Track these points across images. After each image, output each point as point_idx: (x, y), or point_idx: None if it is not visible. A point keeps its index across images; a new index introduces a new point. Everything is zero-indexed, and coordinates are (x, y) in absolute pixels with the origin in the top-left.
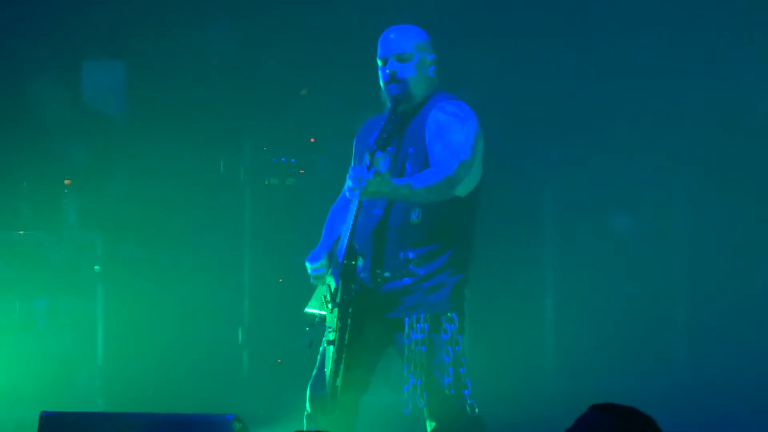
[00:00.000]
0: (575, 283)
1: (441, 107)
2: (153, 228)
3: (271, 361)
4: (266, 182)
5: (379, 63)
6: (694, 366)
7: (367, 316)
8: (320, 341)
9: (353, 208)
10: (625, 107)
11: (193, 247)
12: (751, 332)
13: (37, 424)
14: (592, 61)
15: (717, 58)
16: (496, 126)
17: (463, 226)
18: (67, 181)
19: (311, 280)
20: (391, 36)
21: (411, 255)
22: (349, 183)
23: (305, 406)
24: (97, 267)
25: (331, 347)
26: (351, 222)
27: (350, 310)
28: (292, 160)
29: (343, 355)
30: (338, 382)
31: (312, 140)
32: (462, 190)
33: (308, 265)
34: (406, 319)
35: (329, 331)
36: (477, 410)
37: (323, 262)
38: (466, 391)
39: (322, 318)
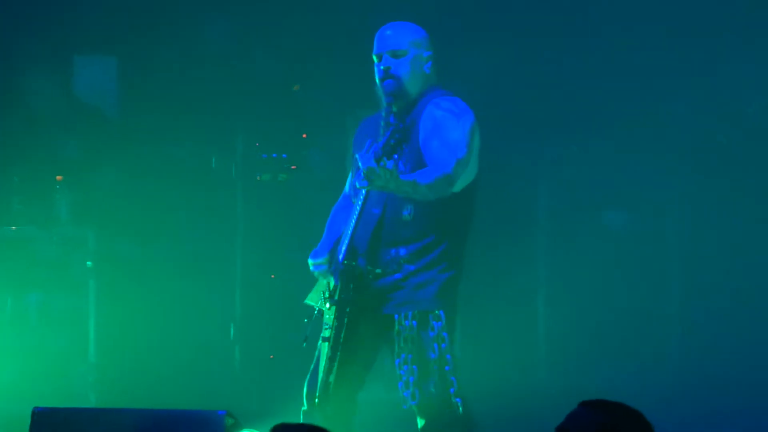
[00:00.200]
0: (568, 280)
1: (436, 103)
2: (145, 224)
3: (263, 356)
4: (258, 178)
5: (375, 59)
6: (686, 364)
7: (363, 313)
8: (316, 337)
9: (357, 204)
10: (620, 106)
11: (185, 243)
12: (744, 330)
13: (29, 420)
14: (589, 60)
15: (715, 58)
16: (492, 124)
17: (457, 220)
18: (58, 177)
19: (315, 275)
20: (387, 32)
21: (402, 252)
22: (359, 166)
23: (302, 402)
24: (89, 263)
25: (326, 344)
26: (353, 222)
27: (348, 310)
28: (284, 155)
29: (338, 353)
30: (331, 378)
31: (304, 136)
32: (458, 185)
33: (310, 262)
34: (396, 315)
35: (326, 328)
36: (461, 409)
37: (326, 258)
38: (451, 389)
39: (320, 313)
